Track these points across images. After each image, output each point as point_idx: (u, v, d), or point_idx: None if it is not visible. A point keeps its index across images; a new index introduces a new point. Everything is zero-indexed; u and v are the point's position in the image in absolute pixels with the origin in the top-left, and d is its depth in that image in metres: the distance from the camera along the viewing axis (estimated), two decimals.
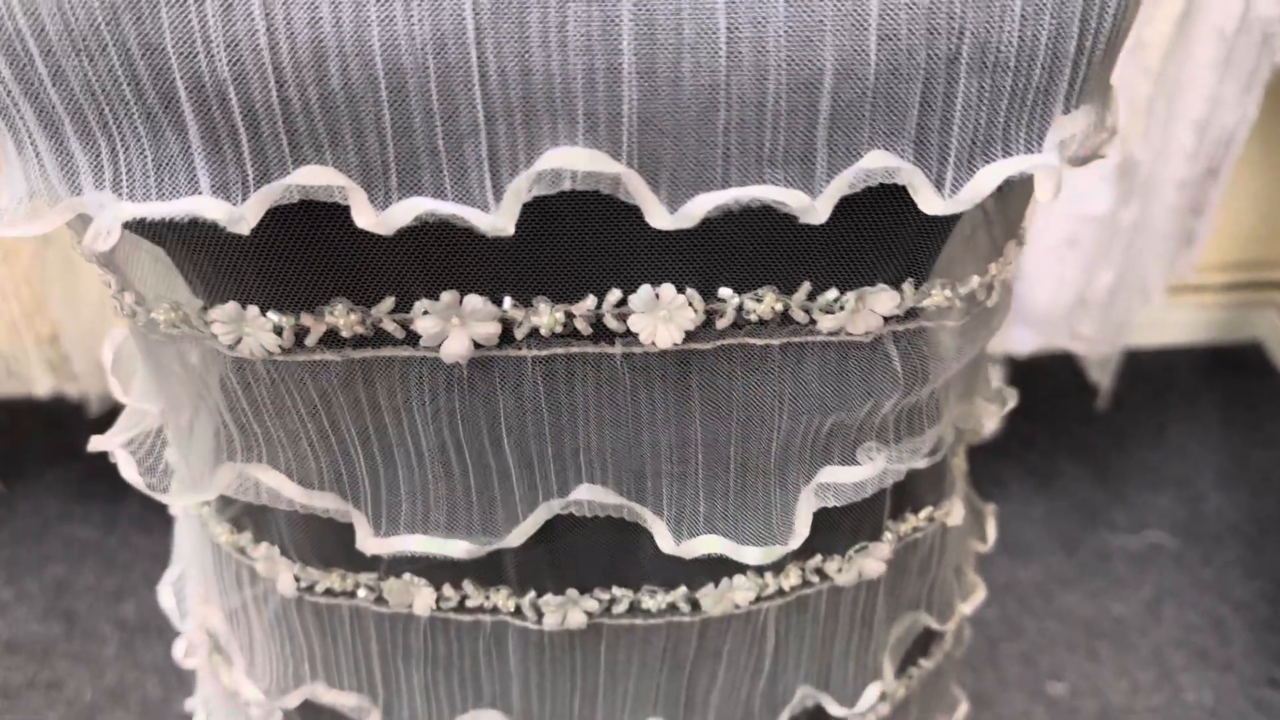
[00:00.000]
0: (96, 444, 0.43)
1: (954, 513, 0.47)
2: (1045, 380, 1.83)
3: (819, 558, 0.42)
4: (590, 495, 0.37)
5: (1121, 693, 1.38)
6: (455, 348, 0.33)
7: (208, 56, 0.27)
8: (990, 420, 0.47)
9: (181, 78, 0.28)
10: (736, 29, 0.27)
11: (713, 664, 0.44)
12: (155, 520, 1.60)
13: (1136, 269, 1.36)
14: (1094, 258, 1.34)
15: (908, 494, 0.45)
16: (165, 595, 0.55)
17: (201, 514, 0.45)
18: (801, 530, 0.38)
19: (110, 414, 1.57)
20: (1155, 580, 1.54)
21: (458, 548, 0.38)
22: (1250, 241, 1.83)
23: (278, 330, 0.34)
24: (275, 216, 0.29)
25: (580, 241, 0.32)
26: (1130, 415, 1.80)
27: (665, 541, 0.38)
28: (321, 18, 0.27)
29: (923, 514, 0.46)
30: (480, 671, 0.43)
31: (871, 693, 0.48)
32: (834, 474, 0.38)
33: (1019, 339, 1.41)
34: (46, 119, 0.29)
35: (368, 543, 0.38)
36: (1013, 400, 0.49)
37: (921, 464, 0.40)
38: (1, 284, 1.30)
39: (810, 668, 0.47)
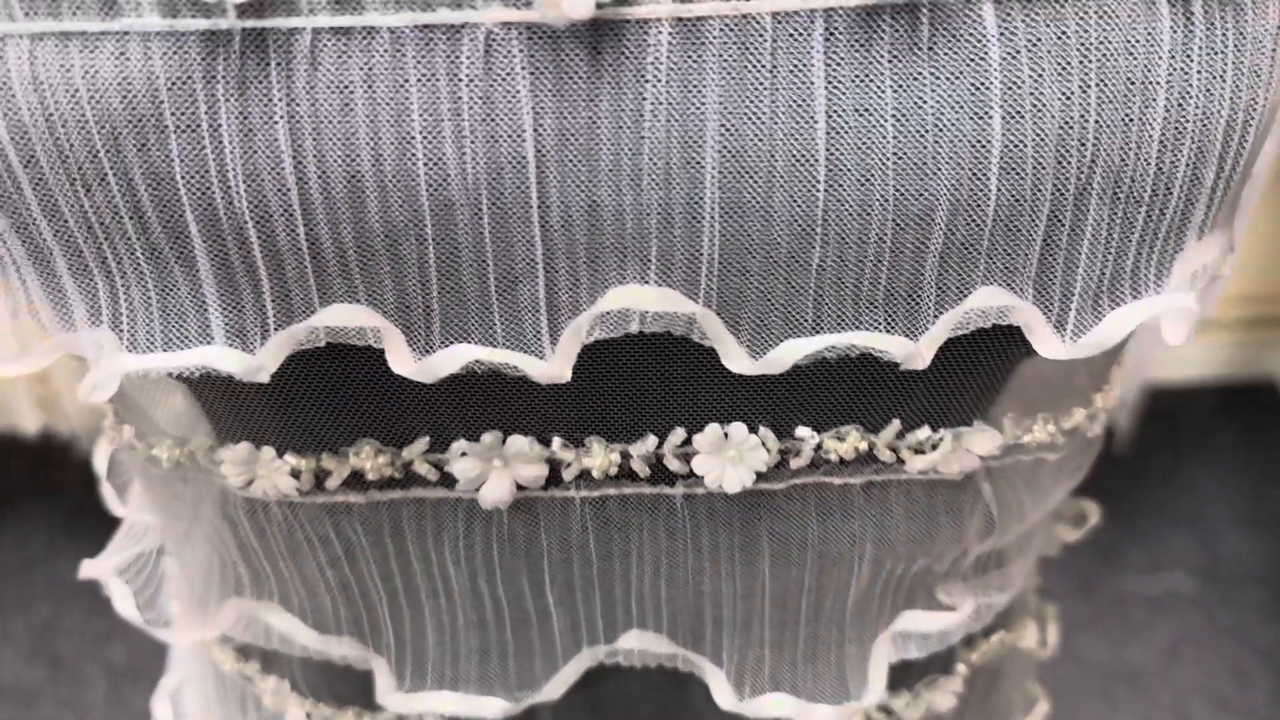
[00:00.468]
0: (88, 570, 0.39)
1: (1027, 635, 0.44)
2: None
3: (887, 696, 0.39)
4: (640, 643, 0.34)
5: None
6: (496, 492, 0.29)
7: (224, 190, 0.23)
8: (1067, 534, 0.44)
9: (193, 212, 0.24)
10: (838, 159, 0.23)
11: None
12: None
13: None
14: None
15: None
16: (161, 707, 0.50)
17: (202, 640, 0.41)
18: (877, 685, 0.34)
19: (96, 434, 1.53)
20: (1173, 625, 1.50)
21: (492, 706, 0.34)
22: (1264, 276, 1.80)
23: (295, 473, 0.30)
24: (296, 354, 0.25)
25: (641, 377, 0.28)
26: (1145, 453, 1.77)
27: (725, 697, 0.34)
28: (358, 148, 0.23)
29: (995, 638, 0.42)
30: None
31: None
32: (915, 620, 0.34)
33: None
34: (36, 253, 0.26)
35: (390, 698, 0.34)
36: (1094, 516, 0.46)
37: (1004, 600, 0.37)
38: None
39: None
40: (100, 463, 0.38)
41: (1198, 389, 1.90)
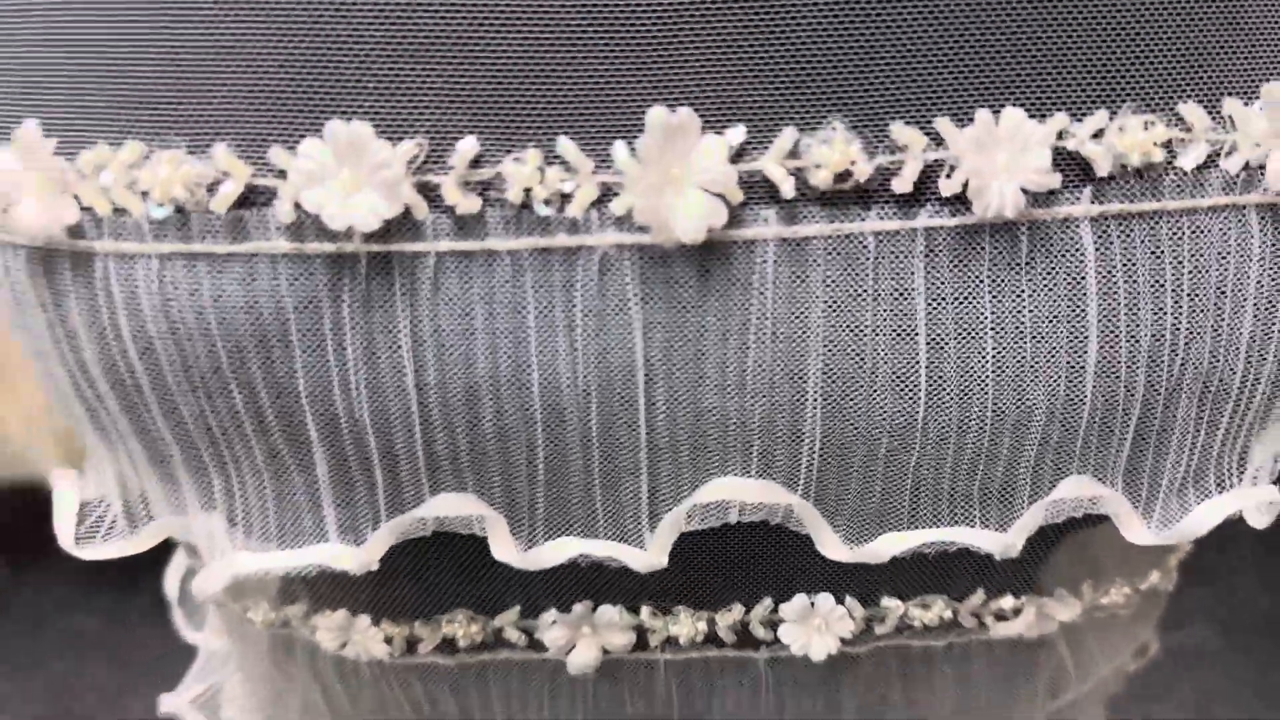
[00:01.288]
0: (166, 706, 0.39)
1: None
2: None
3: None
4: None
5: None
6: (584, 658, 0.29)
7: (345, 400, 0.24)
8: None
9: (314, 420, 0.25)
10: (938, 369, 0.24)
11: None
12: (164, 613, 1.56)
13: None
14: None
15: None
16: None
17: None
18: None
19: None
20: (1199, 681, 1.48)
21: None
22: None
23: (388, 639, 0.30)
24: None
25: (731, 550, 0.28)
26: None
27: None
28: (476, 362, 0.23)
29: None
30: None
31: None
32: None
33: None
34: (154, 451, 0.26)
35: None
36: (1155, 647, 0.46)
37: None
38: (24, 377, 1.28)
39: None
40: (171, 588, 0.38)
41: None
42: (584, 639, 0.30)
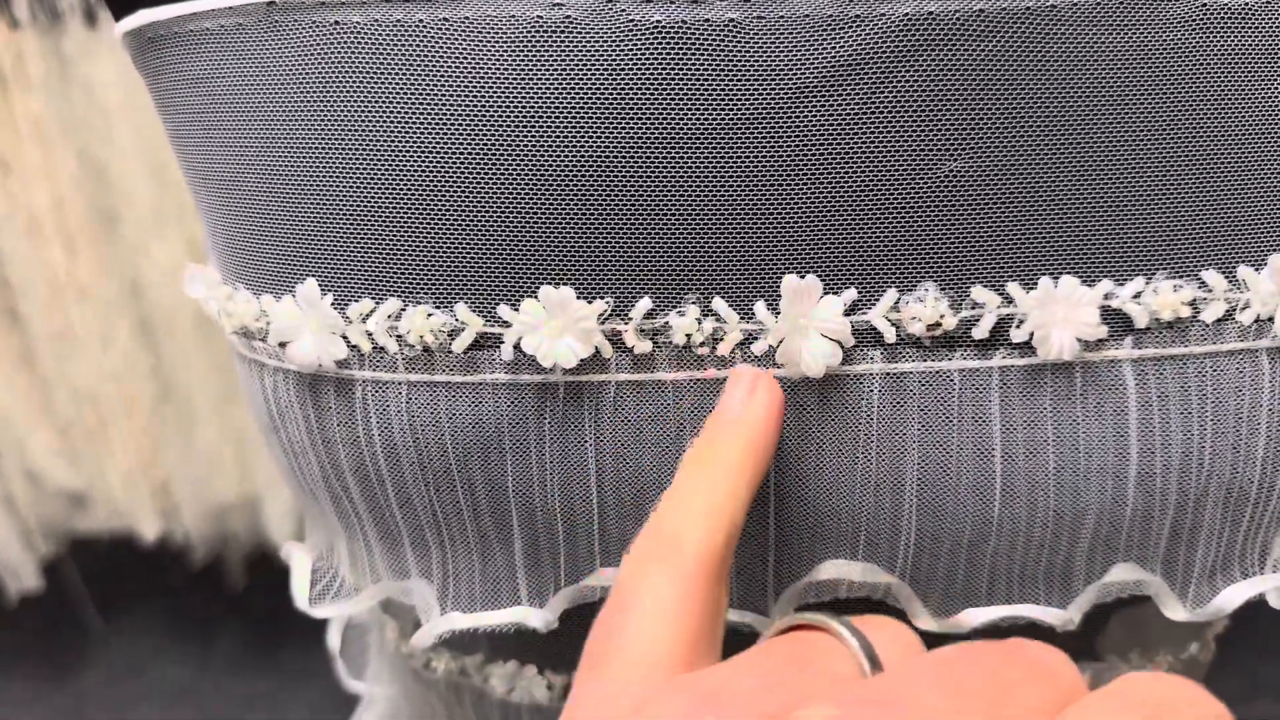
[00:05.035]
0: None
1: None
2: None
3: None
4: None
5: None
6: None
7: (542, 495, 0.30)
8: None
9: (516, 512, 0.30)
10: (1010, 480, 0.29)
11: None
12: (246, 661, 1.62)
13: None
14: None
15: None
16: None
17: None
18: None
19: (213, 560, 1.61)
20: None
21: None
22: None
23: (550, 687, 0.35)
24: None
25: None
26: None
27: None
28: (644, 463, 0.29)
29: None
30: None
31: None
32: None
33: None
34: (385, 532, 0.32)
35: None
36: None
37: None
38: (122, 435, 1.35)
39: None
40: (335, 640, 0.43)
41: None
42: None
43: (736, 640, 0.32)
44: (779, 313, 0.27)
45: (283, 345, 0.29)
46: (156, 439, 1.37)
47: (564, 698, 0.36)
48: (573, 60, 0.26)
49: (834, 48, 0.25)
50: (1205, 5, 0.26)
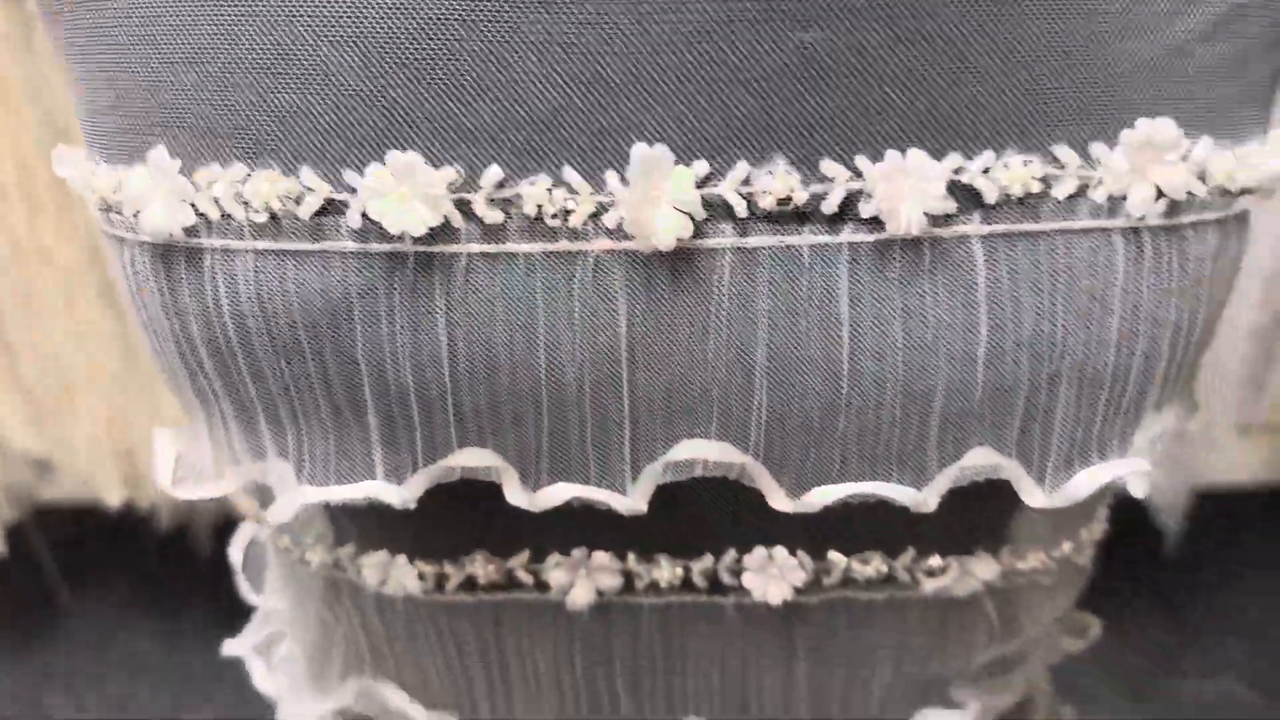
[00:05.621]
0: (230, 649, 0.45)
1: None
2: (1115, 521, 1.79)
3: None
4: None
5: None
6: (581, 597, 0.35)
7: (394, 368, 0.30)
8: (1071, 646, 0.48)
9: (369, 384, 0.30)
10: (858, 354, 0.30)
11: None
12: (215, 635, 1.62)
13: (1204, 416, 1.35)
14: None
15: None
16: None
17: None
18: None
19: (179, 529, 1.60)
20: None
21: None
22: None
23: (421, 576, 0.36)
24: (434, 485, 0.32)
25: (701, 508, 0.34)
26: (1202, 558, 1.76)
27: None
28: (496, 341, 0.30)
29: None
30: None
31: None
32: (929, 717, 0.39)
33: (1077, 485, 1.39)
34: (241, 408, 0.32)
35: None
36: (1096, 628, 0.50)
37: (1008, 701, 0.41)
38: (86, 400, 1.35)
39: None
40: (236, 556, 0.44)
41: (1258, 494, 1.89)
42: (581, 580, 0.35)
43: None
44: (630, 183, 0.27)
45: (136, 215, 0.29)
46: (121, 406, 1.37)
47: (437, 588, 0.36)
48: None
49: None
50: None
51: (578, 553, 0.35)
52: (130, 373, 1.34)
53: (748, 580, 0.35)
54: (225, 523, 1.61)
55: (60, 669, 1.56)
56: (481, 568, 0.36)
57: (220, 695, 1.52)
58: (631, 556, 0.36)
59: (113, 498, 1.44)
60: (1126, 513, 1.83)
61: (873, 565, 0.35)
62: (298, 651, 0.44)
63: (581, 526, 0.34)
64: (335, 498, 0.32)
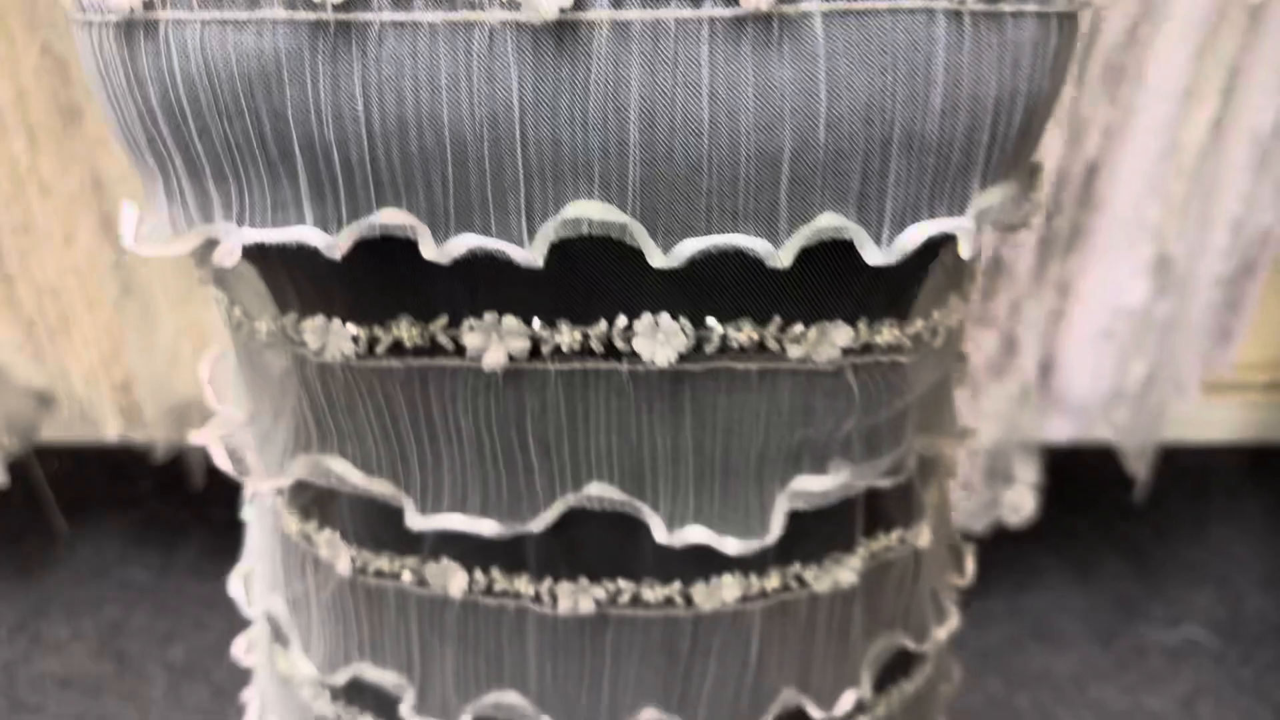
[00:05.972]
0: (196, 437, 0.49)
1: (923, 537, 0.52)
2: (1087, 474, 1.83)
3: (798, 565, 0.47)
4: (600, 492, 0.44)
5: None
6: (494, 359, 0.39)
7: (318, 124, 0.35)
8: (952, 449, 0.52)
9: (297, 139, 0.35)
10: (716, 118, 0.34)
11: (704, 660, 0.48)
12: (207, 567, 1.66)
13: (1172, 363, 1.39)
14: (1129, 349, 1.37)
15: (879, 515, 0.49)
16: (235, 585, 0.61)
17: (275, 505, 0.51)
18: (775, 528, 0.44)
19: (174, 462, 1.64)
20: (1192, 677, 1.52)
21: (488, 526, 0.44)
22: None
23: (355, 339, 0.40)
24: (359, 246, 0.36)
25: (596, 277, 0.38)
26: (1171, 511, 1.80)
27: (659, 532, 0.44)
28: (405, 99, 0.34)
29: (894, 535, 0.50)
30: (503, 654, 0.48)
31: (848, 698, 0.53)
32: (804, 483, 0.44)
33: (1056, 427, 1.43)
34: (191, 166, 0.37)
35: (415, 520, 0.45)
36: (973, 438, 0.53)
37: (884, 482, 0.45)
38: (84, 332, 1.38)
39: (793, 671, 0.50)
40: (204, 371, 0.48)
41: (1229, 451, 1.93)
42: (494, 344, 0.40)
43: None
44: None
45: None
46: (118, 337, 1.40)
47: (370, 351, 0.40)
48: None
49: None
50: None
51: (489, 317, 0.39)
52: (126, 304, 1.37)
53: (638, 345, 0.39)
54: None
55: (59, 596, 1.61)
56: (406, 331, 0.40)
57: (212, 622, 1.57)
58: (536, 321, 0.40)
59: (109, 431, 1.48)
60: (1100, 465, 1.87)
61: (744, 332, 0.39)
62: (253, 444, 0.48)
63: (492, 292, 0.39)
64: (271, 239, 0.36)
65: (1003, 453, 1.44)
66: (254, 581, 0.58)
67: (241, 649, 0.67)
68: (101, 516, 1.75)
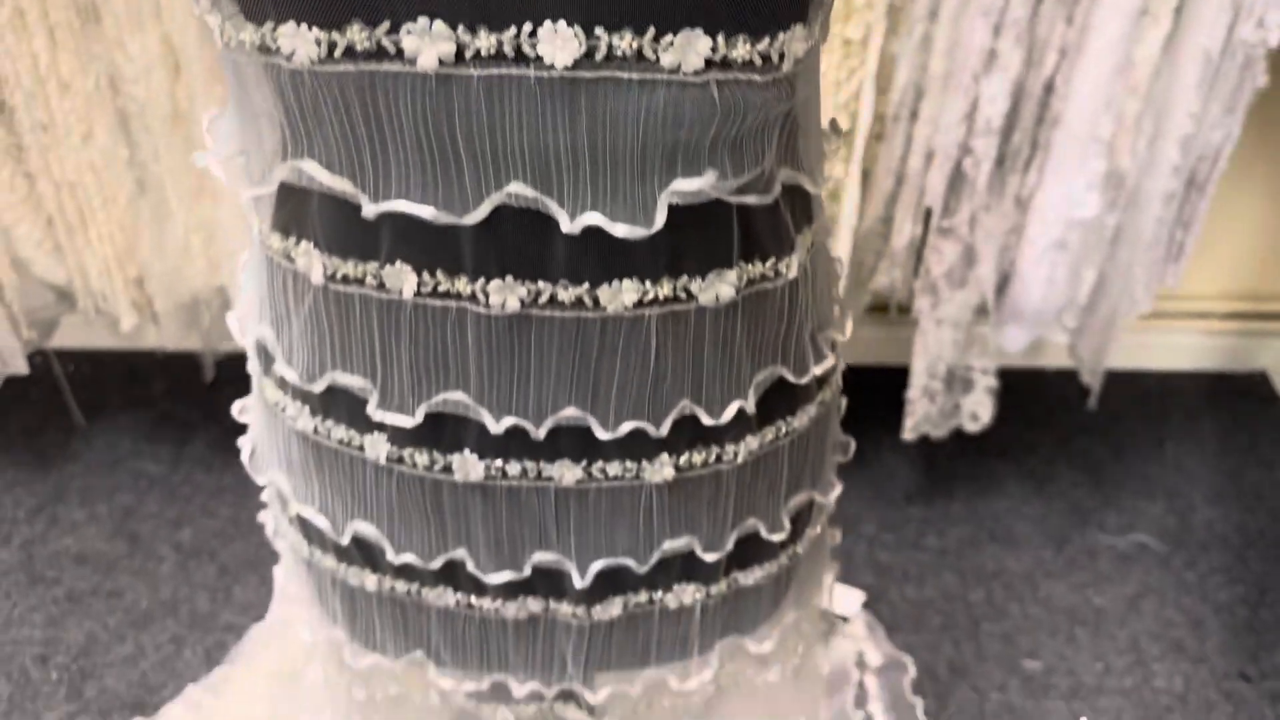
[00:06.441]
0: (198, 160, 0.57)
1: (793, 269, 0.60)
2: (1050, 394, 1.92)
3: (685, 278, 0.56)
4: (518, 190, 0.52)
5: (1094, 674, 1.46)
6: (427, 60, 0.48)
7: None
8: (816, 189, 0.60)
9: None
10: None
11: (611, 359, 0.57)
12: (215, 460, 1.76)
13: (1123, 276, 1.46)
14: (1081, 260, 1.44)
15: (754, 243, 0.58)
16: (232, 322, 0.70)
17: (261, 234, 0.60)
18: (659, 220, 0.53)
19: (185, 367, 1.74)
20: (1139, 578, 1.61)
21: (428, 211, 0.53)
22: (1258, 273, 1.91)
23: (317, 42, 0.49)
24: None
25: None
26: (1130, 430, 1.89)
27: (564, 222, 0.53)
28: None
29: (768, 263, 0.59)
30: (448, 354, 0.57)
31: (734, 407, 0.61)
32: (681, 184, 0.53)
33: (1011, 337, 1.51)
34: None
35: (369, 208, 0.53)
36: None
37: (751, 199, 0.54)
38: (100, 227, 1.47)
39: (687, 383, 0.59)
40: (209, 129, 0.57)
41: (1189, 376, 2.01)
42: (426, 46, 0.48)
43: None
44: None
45: None
46: (132, 233, 1.49)
47: (329, 56, 0.49)
48: None
49: None
50: None
51: (423, 21, 0.48)
52: (140, 200, 1.46)
53: (541, 49, 0.48)
54: (225, 360, 1.75)
55: (75, 484, 1.71)
56: (357, 35, 0.49)
57: (220, 509, 1.67)
58: (460, 27, 0.48)
59: (125, 323, 1.56)
60: (1062, 386, 1.95)
61: (626, 40, 0.48)
62: (243, 156, 0.56)
63: (424, 0, 0.48)
64: None
65: (962, 361, 1.52)
66: (247, 319, 0.68)
67: (245, 452, 0.76)
68: (116, 415, 1.85)
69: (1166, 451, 1.84)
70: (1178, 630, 1.53)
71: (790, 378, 0.64)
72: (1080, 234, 1.40)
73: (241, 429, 0.81)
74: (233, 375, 1.86)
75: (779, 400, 0.65)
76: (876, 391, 1.77)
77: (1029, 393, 1.91)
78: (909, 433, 1.58)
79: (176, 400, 1.87)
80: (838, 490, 0.74)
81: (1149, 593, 1.59)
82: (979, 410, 1.54)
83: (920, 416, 1.56)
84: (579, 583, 0.63)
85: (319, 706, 0.79)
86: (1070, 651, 1.49)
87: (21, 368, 1.60)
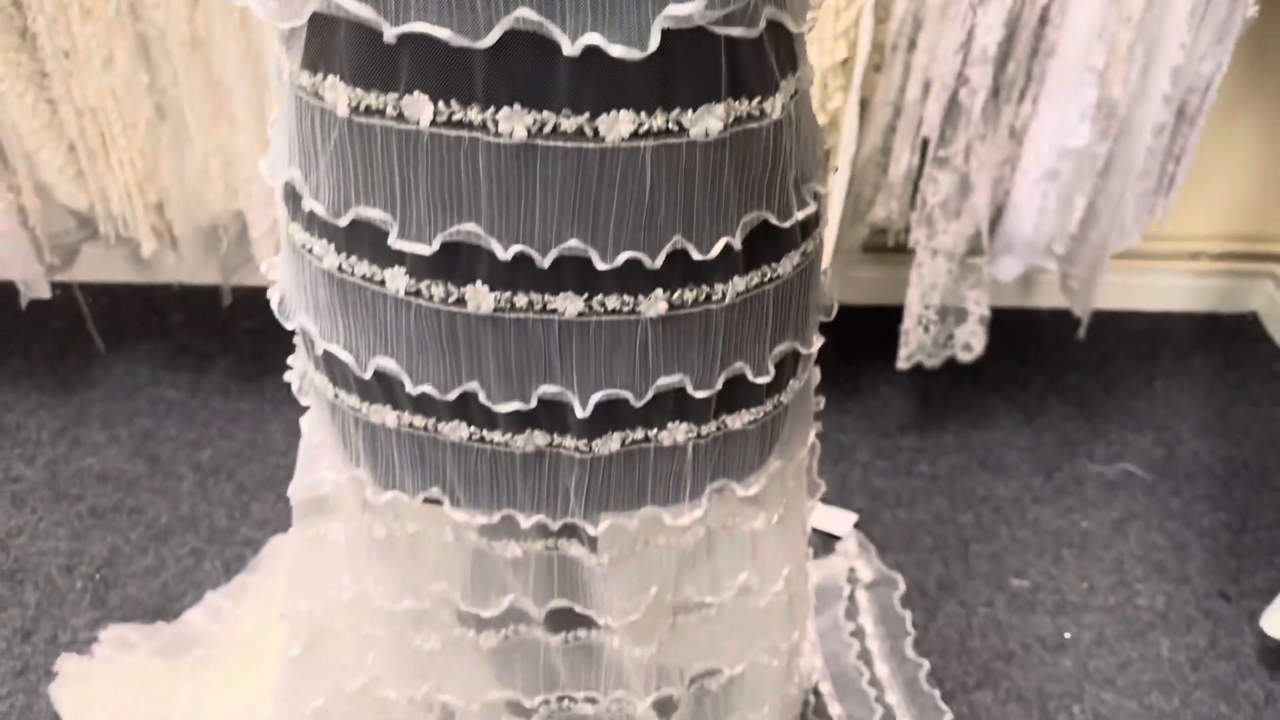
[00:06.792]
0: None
1: (776, 109, 0.65)
2: (1043, 333, 1.97)
3: (677, 111, 0.60)
4: (524, 14, 0.56)
5: (1079, 593, 1.52)
6: None
7: None
8: (799, 27, 0.65)
9: None
10: None
11: (609, 191, 0.62)
12: (232, 388, 1.82)
13: (1116, 206, 1.50)
14: (1073, 189, 1.48)
15: (740, 83, 0.62)
16: (264, 169, 0.73)
17: (290, 75, 0.64)
18: (653, 43, 0.57)
19: (203, 300, 1.79)
20: (1125, 504, 1.66)
21: (444, 33, 0.57)
22: (1250, 215, 1.95)
23: None
24: None
25: None
26: (1121, 367, 1.93)
27: (566, 45, 0.57)
28: None
29: (754, 101, 0.63)
30: (462, 184, 0.62)
31: (721, 243, 0.66)
32: (673, 8, 0.57)
33: (1005, 267, 1.55)
34: None
35: (389, 31, 0.57)
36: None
37: (738, 30, 0.59)
38: (120, 153, 1.51)
39: (679, 219, 0.64)
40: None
41: (1181, 317, 2.05)
42: None
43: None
44: None
45: None
46: (151, 158, 1.53)
47: None
48: None
49: None
50: None
51: None
52: (159, 125, 1.50)
53: None
54: (245, 292, 1.80)
55: (96, 408, 1.76)
56: None
57: (237, 433, 1.73)
58: None
59: (145, 248, 1.61)
60: (1055, 325, 2.00)
61: None
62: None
63: None
64: None
65: (955, 291, 1.56)
66: (277, 165, 0.71)
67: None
68: (135, 344, 1.90)
69: (1156, 388, 1.89)
70: (1161, 553, 1.58)
71: (774, 221, 0.68)
72: (1072, 163, 1.44)
73: (258, 358, 0.86)
74: (249, 308, 1.93)
75: (764, 246, 0.69)
76: (872, 328, 1.82)
77: (1023, 331, 1.96)
78: (903, 362, 1.63)
79: (193, 332, 1.93)
80: (819, 343, 0.79)
81: (1134, 518, 1.64)
82: (972, 341, 1.59)
83: (915, 346, 1.61)
84: (580, 413, 0.68)
85: (337, 572, 0.85)
86: (1056, 571, 1.55)
87: (44, 292, 1.66)
